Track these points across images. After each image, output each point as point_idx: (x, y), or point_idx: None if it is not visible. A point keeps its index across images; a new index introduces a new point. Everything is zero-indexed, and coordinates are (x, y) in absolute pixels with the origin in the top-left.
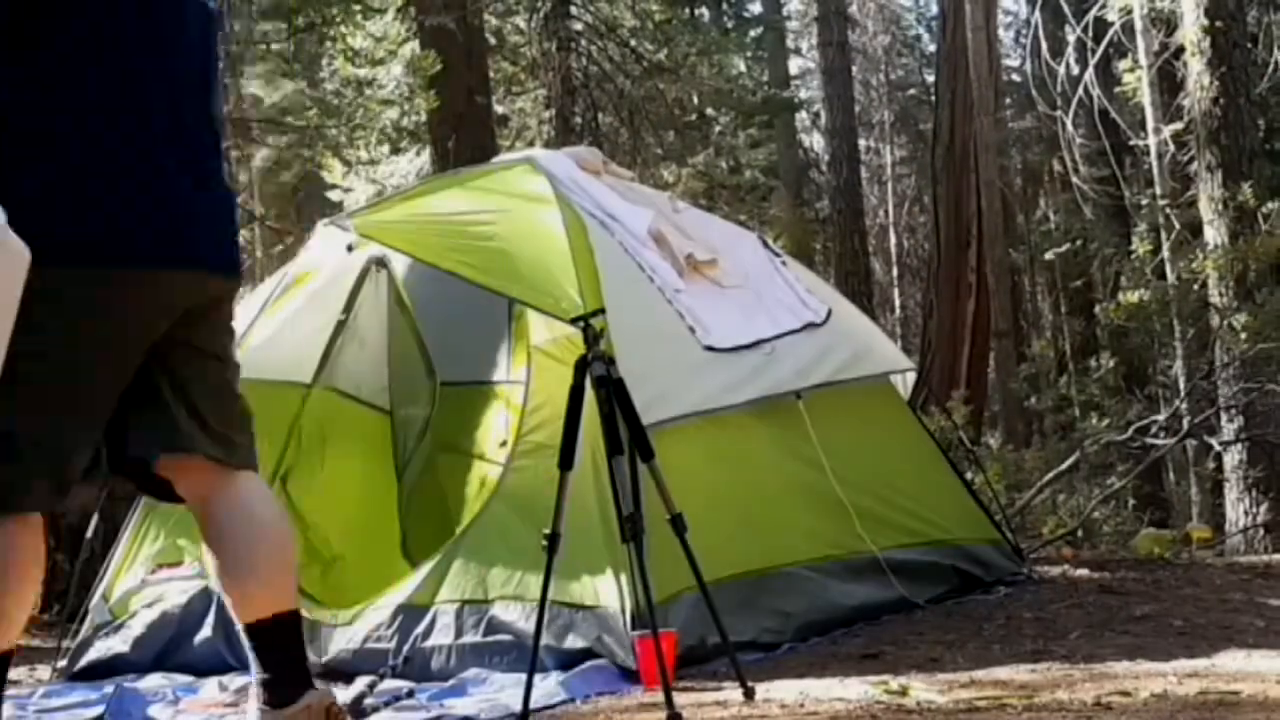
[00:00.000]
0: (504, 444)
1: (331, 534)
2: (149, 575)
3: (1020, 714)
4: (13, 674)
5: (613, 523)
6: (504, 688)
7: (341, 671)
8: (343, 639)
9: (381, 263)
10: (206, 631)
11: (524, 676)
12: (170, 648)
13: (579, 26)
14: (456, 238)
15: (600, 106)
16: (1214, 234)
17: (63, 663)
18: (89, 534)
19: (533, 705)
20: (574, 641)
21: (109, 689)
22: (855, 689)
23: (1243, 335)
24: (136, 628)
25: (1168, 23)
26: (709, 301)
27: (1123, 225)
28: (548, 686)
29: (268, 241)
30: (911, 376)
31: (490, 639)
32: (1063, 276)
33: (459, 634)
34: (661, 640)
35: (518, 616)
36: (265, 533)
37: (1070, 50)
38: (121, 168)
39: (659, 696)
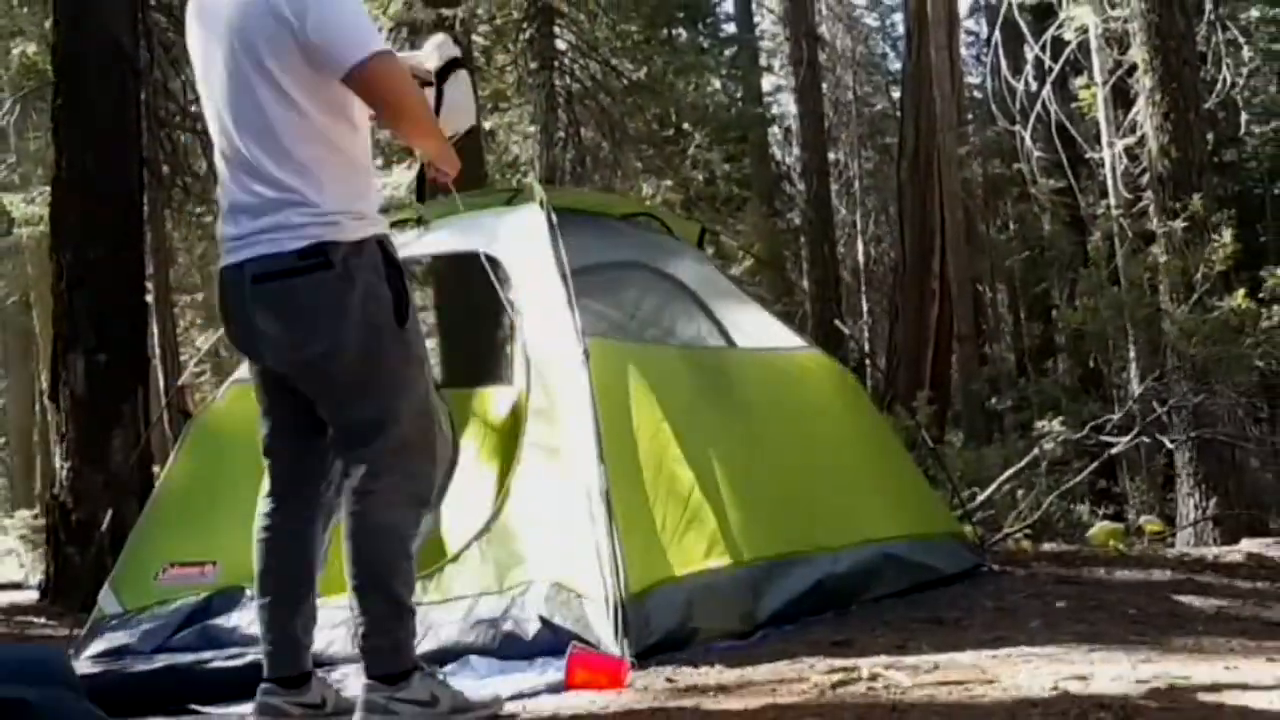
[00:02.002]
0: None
1: None
2: (161, 574)
3: (982, 698)
4: None
5: (598, 510)
6: (488, 676)
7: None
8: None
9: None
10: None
11: (509, 663)
12: (179, 644)
13: (562, 46)
14: None
15: (582, 122)
16: (1165, 243)
17: (70, 651)
18: (102, 527)
19: (511, 693)
20: (576, 627)
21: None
22: (826, 676)
23: (1192, 340)
24: (146, 623)
25: (1121, 42)
26: None
27: (1079, 234)
28: (529, 676)
29: None
30: None
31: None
32: (1022, 283)
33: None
34: (605, 666)
35: (517, 608)
36: None
37: (1029, 68)
38: None
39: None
